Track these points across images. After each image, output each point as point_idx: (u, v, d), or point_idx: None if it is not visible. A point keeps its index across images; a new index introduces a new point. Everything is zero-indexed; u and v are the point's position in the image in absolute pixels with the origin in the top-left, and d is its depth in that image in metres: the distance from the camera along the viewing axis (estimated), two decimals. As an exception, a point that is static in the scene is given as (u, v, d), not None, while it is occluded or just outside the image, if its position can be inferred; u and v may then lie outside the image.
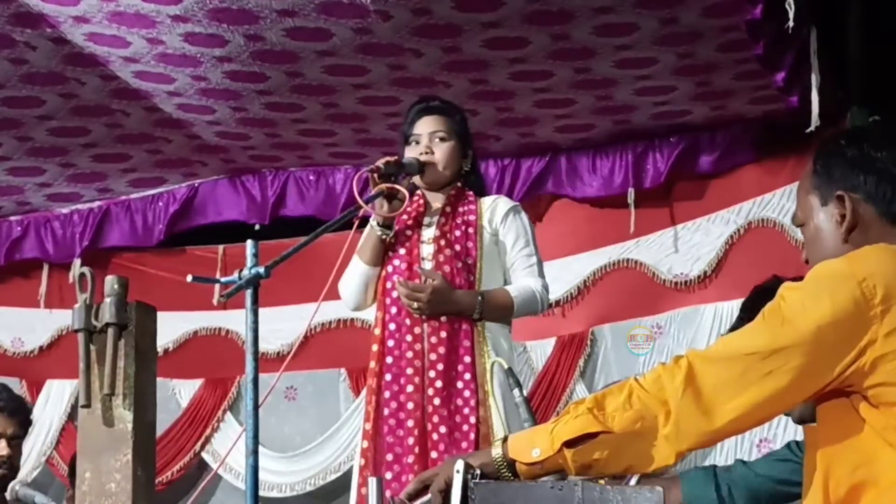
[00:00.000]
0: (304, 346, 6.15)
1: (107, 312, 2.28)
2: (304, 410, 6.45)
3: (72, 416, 6.61)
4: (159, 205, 6.46)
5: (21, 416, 3.95)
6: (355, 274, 3.77)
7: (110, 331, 2.28)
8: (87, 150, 5.86)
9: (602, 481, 2.04)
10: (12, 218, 6.64)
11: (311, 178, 6.29)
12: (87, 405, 2.27)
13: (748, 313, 4.16)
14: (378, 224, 3.69)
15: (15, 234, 6.64)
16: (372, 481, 2.56)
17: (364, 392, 6.06)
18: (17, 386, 6.64)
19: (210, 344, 6.56)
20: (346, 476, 6.10)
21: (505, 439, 2.11)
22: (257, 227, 6.23)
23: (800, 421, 2.74)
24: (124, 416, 2.26)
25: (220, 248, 6.54)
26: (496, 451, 2.09)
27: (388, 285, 3.71)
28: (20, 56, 4.84)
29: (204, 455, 6.48)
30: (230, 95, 5.26)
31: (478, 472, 2.10)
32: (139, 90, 5.19)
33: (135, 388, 2.27)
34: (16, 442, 3.91)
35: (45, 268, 6.70)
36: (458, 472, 2.08)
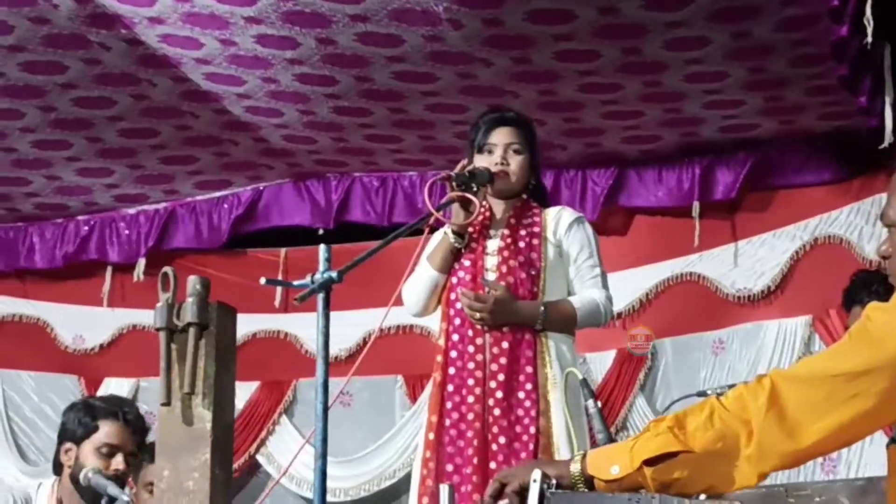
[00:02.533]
0: (361, 352, 6.17)
1: (188, 312, 2.30)
2: (358, 416, 6.45)
3: (127, 413, 6.66)
4: (224, 207, 6.51)
5: (142, 436, 3.85)
6: (423, 279, 3.78)
7: (191, 330, 2.29)
8: (155, 152, 5.92)
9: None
10: (79, 217, 6.71)
11: (376, 183, 6.31)
12: (168, 403, 2.29)
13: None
14: (452, 232, 3.70)
15: (81, 233, 6.72)
16: (444, 489, 2.57)
17: (421, 400, 6.13)
18: (76, 383, 6.73)
19: (268, 347, 6.58)
20: (400, 483, 6.12)
21: (584, 455, 2.10)
22: (321, 231, 6.26)
23: None
24: (204, 416, 2.27)
25: (283, 251, 6.57)
26: (575, 467, 2.08)
27: (453, 296, 3.72)
28: (94, 56, 4.90)
29: (259, 457, 6.49)
30: (299, 98, 5.29)
31: (554, 482, 2.09)
32: (209, 92, 5.24)
33: (214, 387, 2.28)
34: (132, 459, 3.81)
35: (109, 267, 6.75)
36: (534, 481, 2.08)
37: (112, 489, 3.52)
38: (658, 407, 5.80)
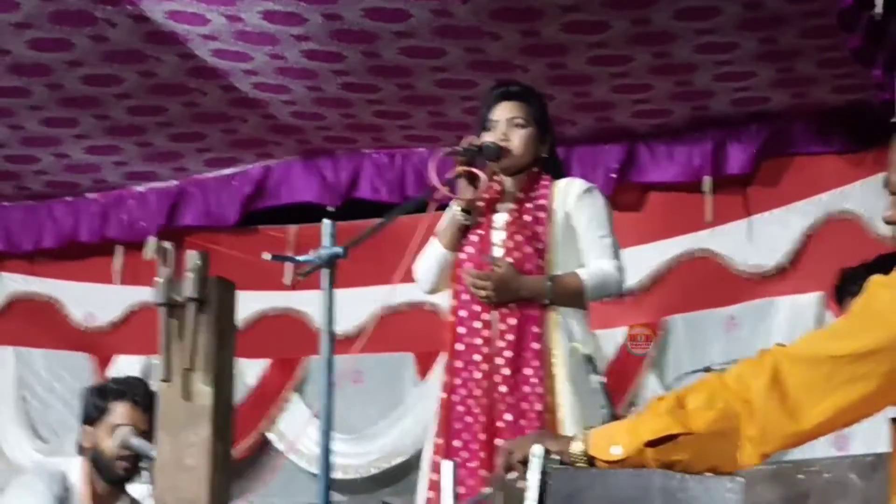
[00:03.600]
0: (372, 330, 6.15)
1: (187, 287, 2.29)
2: (370, 393, 6.43)
3: (137, 391, 6.67)
4: (233, 184, 6.49)
5: (153, 412, 3.88)
6: (433, 256, 3.76)
7: (191, 306, 2.29)
8: (163, 129, 5.91)
9: None
10: (88, 195, 6.71)
11: (385, 160, 6.28)
12: (168, 379, 2.28)
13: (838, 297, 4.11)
14: (460, 209, 3.67)
15: (91, 211, 6.71)
16: (447, 465, 2.56)
17: (432, 377, 6.12)
18: (87, 361, 6.74)
19: (278, 324, 6.57)
20: (411, 460, 6.11)
21: (586, 434, 2.08)
22: (330, 208, 6.24)
23: None
24: (203, 392, 2.27)
25: (292, 228, 6.55)
26: (577, 446, 2.07)
27: (461, 272, 3.70)
28: (100, 34, 4.88)
29: (269, 435, 6.48)
30: (307, 75, 5.27)
31: (556, 457, 2.08)
32: (216, 69, 5.22)
33: (214, 363, 2.27)
34: (147, 437, 3.75)
35: (120, 245, 6.74)
36: (535, 455, 2.06)
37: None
38: (669, 383, 5.77)
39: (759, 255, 5.74)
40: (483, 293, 3.57)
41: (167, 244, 2.36)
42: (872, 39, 4.45)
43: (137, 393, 3.82)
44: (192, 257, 2.32)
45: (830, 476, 4.41)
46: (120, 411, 3.80)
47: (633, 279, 5.81)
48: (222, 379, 2.29)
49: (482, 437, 3.50)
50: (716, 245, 5.82)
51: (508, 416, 3.50)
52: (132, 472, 3.83)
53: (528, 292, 3.59)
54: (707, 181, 5.80)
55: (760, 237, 5.75)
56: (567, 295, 3.64)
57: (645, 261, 5.89)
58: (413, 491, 6.04)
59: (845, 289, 4.30)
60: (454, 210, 3.70)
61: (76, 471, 3.82)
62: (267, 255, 3.08)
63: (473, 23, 4.71)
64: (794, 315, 5.58)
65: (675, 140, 5.86)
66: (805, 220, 5.67)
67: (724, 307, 5.81)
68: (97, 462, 3.80)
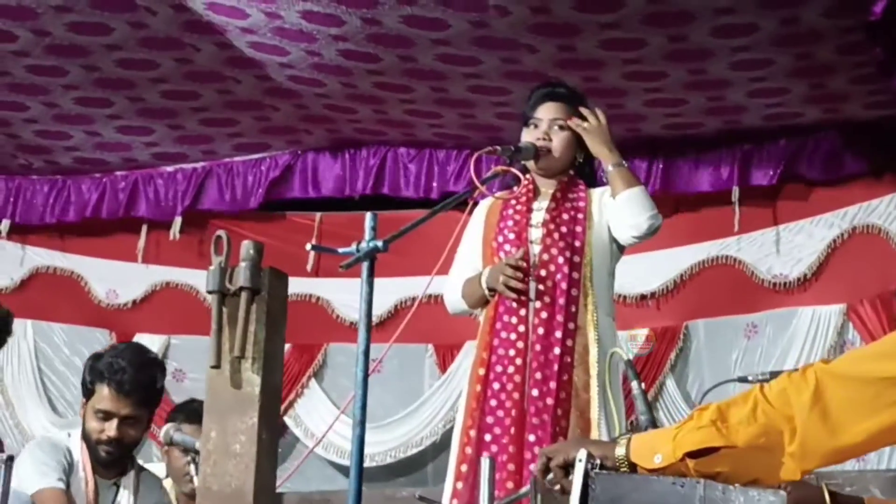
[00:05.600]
0: (393, 319, 6.19)
1: (241, 276, 2.31)
2: (387, 383, 6.45)
3: (158, 371, 6.70)
4: (261, 169, 6.52)
5: (139, 395, 3.73)
6: (458, 305, 3.81)
7: (243, 294, 2.30)
8: (196, 114, 5.95)
9: None
10: (118, 173, 6.74)
11: (413, 154, 6.31)
12: (217, 366, 2.30)
13: None
14: (488, 288, 3.67)
15: (119, 188, 6.74)
16: (485, 461, 2.60)
17: (451, 370, 6.16)
18: (107, 337, 6.77)
19: (299, 310, 6.57)
20: (426, 451, 6.16)
21: (629, 439, 2.11)
22: (356, 197, 6.28)
23: None
24: (252, 380, 2.28)
25: (318, 215, 6.59)
26: (620, 451, 2.09)
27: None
28: (140, 20, 4.92)
29: (286, 419, 6.51)
30: (341, 72, 5.30)
31: (598, 462, 2.11)
32: (253, 59, 5.26)
33: (264, 352, 2.30)
34: (130, 422, 3.74)
35: (145, 223, 6.78)
36: (580, 460, 2.09)
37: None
38: (688, 388, 5.81)
39: (782, 264, 5.78)
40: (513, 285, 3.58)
41: (223, 232, 2.38)
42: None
43: (123, 378, 3.71)
44: (246, 247, 2.34)
45: (853, 489, 4.45)
46: (102, 395, 3.72)
47: (657, 282, 5.87)
48: (271, 367, 2.31)
49: (512, 431, 3.52)
50: (740, 253, 5.86)
51: (541, 412, 3.51)
52: (117, 459, 3.78)
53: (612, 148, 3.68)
54: (735, 191, 5.83)
55: (785, 247, 5.79)
56: (632, 175, 3.68)
57: (669, 265, 5.92)
58: (427, 482, 6.12)
59: None
60: (482, 286, 3.69)
61: (77, 441, 3.79)
62: (308, 246, 3.10)
63: (510, 35, 4.74)
64: (814, 326, 5.61)
65: (704, 151, 5.90)
66: (830, 233, 5.71)
67: (746, 314, 5.85)
68: (86, 439, 3.77)
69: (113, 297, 6.83)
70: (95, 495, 3.74)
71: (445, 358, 6.28)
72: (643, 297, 5.96)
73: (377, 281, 6.13)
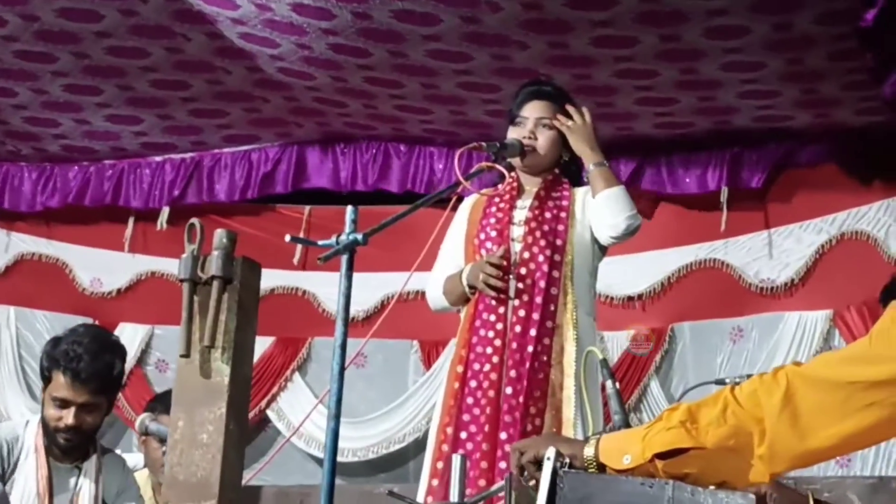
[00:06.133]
0: (380, 315, 6.18)
1: (213, 265, 2.29)
2: (372, 379, 6.46)
3: (141, 360, 6.68)
4: (250, 161, 6.49)
5: (96, 383, 3.65)
6: (440, 302, 3.79)
7: (215, 283, 2.28)
8: (185, 104, 5.92)
9: None
10: (106, 161, 6.71)
11: (403, 150, 6.29)
12: (187, 355, 2.28)
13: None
14: (468, 285, 3.66)
15: (106, 176, 6.71)
16: (456, 459, 2.57)
17: (435, 366, 6.13)
18: (90, 327, 6.74)
19: (285, 303, 6.59)
20: (409, 448, 6.14)
21: (598, 439, 2.09)
22: (346, 192, 6.26)
23: None
24: (222, 370, 2.26)
25: (306, 208, 6.57)
26: (588, 451, 2.07)
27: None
28: (130, 8, 4.90)
29: (269, 413, 6.50)
30: (332, 65, 5.28)
31: (567, 460, 2.09)
32: (243, 50, 5.23)
33: (234, 342, 2.27)
34: (88, 409, 3.67)
35: (133, 213, 6.75)
36: (548, 458, 2.07)
37: None
38: (672, 390, 5.79)
39: (770, 269, 5.77)
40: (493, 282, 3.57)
41: (196, 221, 2.36)
42: (890, 58, 4.48)
43: (79, 367, 3.64)
44: (219, 235, 2.32)
45: (831, 495, 4.43)
46: (59, 383, 3.66)
47: (643, 284, 5.86)
48: (241, 358, 2.29)
49: (487, 429, 3.50)
50: (728, 256, 5.85)
51: (515, 411, 3.49)
52: (76, 447, 3.73)
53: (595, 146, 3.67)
54: (724, 192, 5.81)
55: (773, 251, 5.77)
56: (612, 175, 3.66)
57: (656, 267, 5.91)
58: (409, 478, 6.09)
59: (893, 294, 4.29)
60: (463, 284, 3.67)
61: (32, 430, 3.74)
62: (287, 238, 3.07)
63: (502, 31, 4.73)
64: (801, 331, 5.60)
65: (693, 152, 5.88)
66: (819, 238, 5.71)
67: (732, 318, 5.84)
68: (45, 426, 3.71)
69: (97, 285, 6.80)
70: (49, 481, 3.70)
71: (430, 354, 6.27)
72: (630, 298, 5.95)
73: (365, 276, 6.22)
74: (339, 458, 6.11)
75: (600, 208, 3.62)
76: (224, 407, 2.24)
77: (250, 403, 6.20)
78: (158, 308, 6.60)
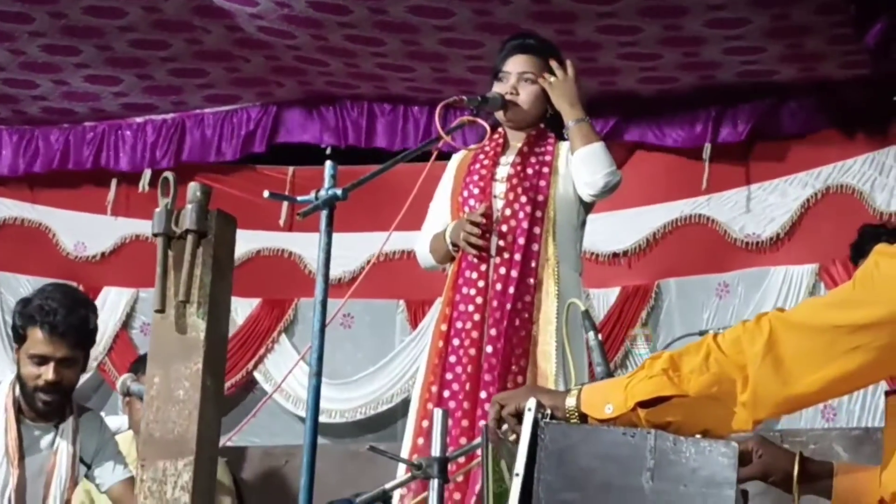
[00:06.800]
0: (365, 275, 6.14)
1: (187, 219, 2.26)
2: (359, 339, 6.43)
3: (126, 324, 6.65)
4: (233, 122, 6.43)
5: (74, 337, 3.67)
6: (428, 260, 3.80)
7: (189, 237, 2.26)
8: (165, 64, 5.85)
9: None
10: (86, 124, 6.64)
11: (386, 108, 6.24)
12: (162, 311, 2.25)
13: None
14: (452, 243, 3.63)
15: (87, 139, 6.64)
16: (437, 413, 2.56)
17: (422, 326, 6.11)
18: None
19: (271, 264, 6.55)
20: (397, 408, 6.13)
21: (580, 390, 2.07)
22: (328, 150, 6.21)
23: None
24: (197, 325, 2.24)
25: (290, 169, 6.51)
26: (570, 401, 2.06)
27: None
28: (107, -33, 4.84)
29: (256, 374, 6.48)
30: (312, 23, 5.22)
31: (548, 411, 2.07)
32: (222, 8, 5.17)
33: (210, 297, 2.25)
34: (67, 364, 3.69)
35: (115, 175, 6.69)
36: (529, 409, 2.05)
37: None
38: (659, 347, 5.78)
39: (755, 224, 5.75)
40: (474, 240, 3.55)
41: (169, 174, 2.32)
42: (873, 10, 4.45)
43: (56, 321, 3.64)
44: (193, 189, 2.29)
45: (817, 447, 4.44)
46: (35, 339, 3.66)
47: (629, 241, 5.85)
48: (217, 313, 2.27)
49: (468, 387, 3.49)
50: (713, 212, 5.83)
51: (493, 370, 3.48)
52: (55, 407, 3.73)
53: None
54: (707, 148, 5.78)
55: (758, 207, 5.76)
56: (591, 132, 3.63)
57: (641, 223, 5.89)
58: (397, 438, 6.09)
59: (863, 248, 4.29)
60: (447, 242, 3.64)
61: (4, 390, 3.73)
62: (266, 194, 3.04)
63: (484, -14, 4.69)
64: (786, 285, 5.59)
65: (677, 107, 5.83)
66: (804, 192, 5.68)
67: (718, 273, 5.83)
68: (22, 386, 3.70)
69: (81, 249, 6.75)
70: (18, 441, 3.68)
71: (417, 314, 6.25)
72: (615, 255, 5.92)
73: (351, 236, 6.15)
74: (328, 419, 6.20)
75: (578, 166, 3.62)
76: (200, 362, 2.22)
77: (237, 366, 6.33)
78: (143, 271, 6.55)
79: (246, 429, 6.27)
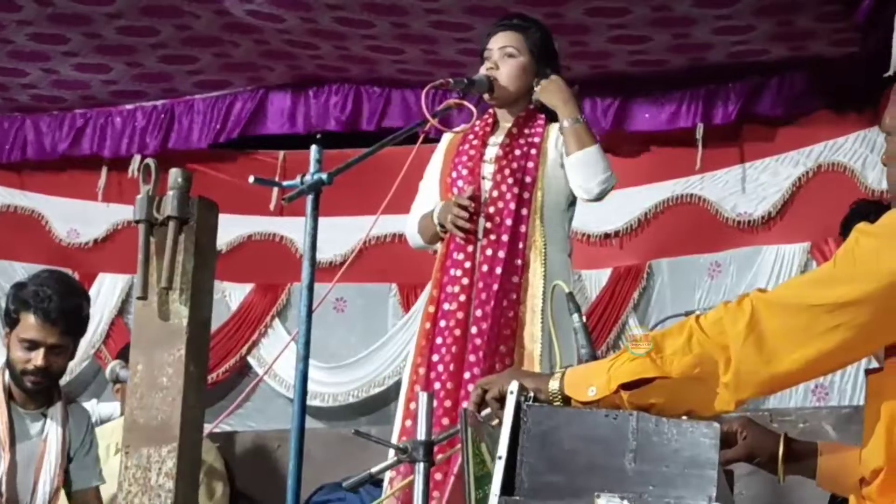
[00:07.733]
0: (357, 259, 6.11)
1: (169, 205, 2.26)
2: (351, 323, 6.44)
3: (122, 310, 6.64)
4: (222, 107, 6.42)
5: (66, 325, 3.69)
6: (417, 241, 3.80)
7: (171, 224, 2.26)
8: (154, 51, 5.83)
9: None
10: (77, 111, 6.62)
11: (377, 91, 6.22)
12: (144, 297, 2.25)
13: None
14: (439, 224, 3.63)
15: (77, 126, 6.63)
16: (422, 396, 2.56)
17: (415, 309, 6.11)
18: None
19: (263, 249, 6.56)
20: (389, 391, 6.13)
21: (563, 373, 2.07)
22: (318, 136, 6.19)
23: None
24: (180, 311, 2.24)
25: (281, 153, 6.50)
26: (553, 384, 2.06)
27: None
28: (93, -47, 4.82)
29: (249, 359, 6.48)
30: (301, 6, 5.21)
31: (531, 394, 2.07)
32: (209, -7, 5.17)
33: (192, 283, 2.25)
34: (57, 351, 3.71)
35: (106, 162, 6.68)
36: (511, 392, 2.05)
37: None
38: (650, 326, 5.79)
39: (747, 203, 5.75)
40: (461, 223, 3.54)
41: (151, 161, 2.32)
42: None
43: (49, 307, 3.65)
44: (174, 175, 2.28)
45: (806, 426, 4.44)
46: (27, 324, 3.67)
47: (620, 221, 5.84)
48: (200, 299, 2.27)
49: (452, 368, 3.49)
50: (704, 191, 5.82)
51: (481, 349, 3.48)
52: (43, 390, 3.74)
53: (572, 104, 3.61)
54: (699, 128, 5.77)
55: (749, 186, 5.75)
56: (586, 133, 3.60)
57: (633, 204, 5.88)
58: (390, 420, 6.09)
59: (852, 224, 4.28)
60: (435, 223, 3.64)
61: None
62: (251, 179, 3.03)
63: (473, -31, 4.67)
64: (778, 264, 5.59)
65: (668, 88, 5.82)
66: (795, 171, 5.68)
67: (710, 253, 5.83)
68: (12, 370, 3.72)
69: (74, 236, 6.75)
70: (10, 426, 3.69)
71: (409, 297, 6.25)
72: (606, 235, 5.92)
73: (342, 220, 6.13)
74: (321, 403, 6.21)
75: (573, 171, 3.60)
76: (183, 349, 2.22)
77: (231, 351, 6.33)
78: (136, 257, 6.54)
79: (241, 413, 6.29)
